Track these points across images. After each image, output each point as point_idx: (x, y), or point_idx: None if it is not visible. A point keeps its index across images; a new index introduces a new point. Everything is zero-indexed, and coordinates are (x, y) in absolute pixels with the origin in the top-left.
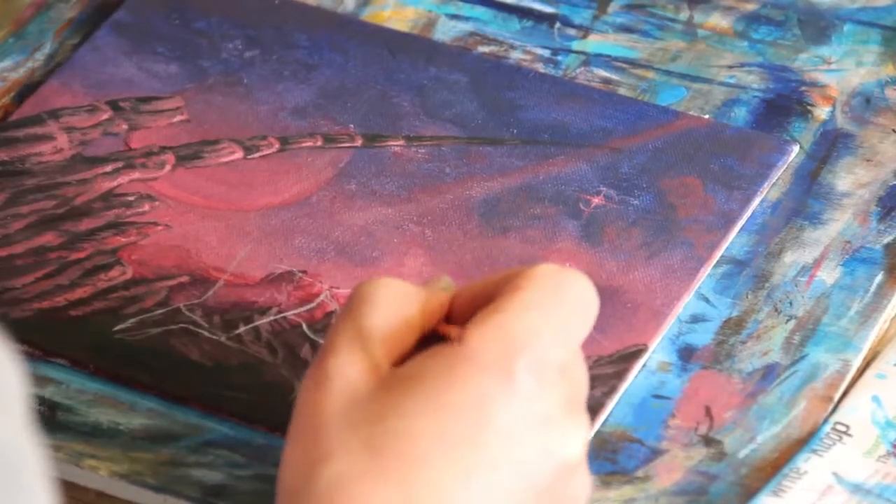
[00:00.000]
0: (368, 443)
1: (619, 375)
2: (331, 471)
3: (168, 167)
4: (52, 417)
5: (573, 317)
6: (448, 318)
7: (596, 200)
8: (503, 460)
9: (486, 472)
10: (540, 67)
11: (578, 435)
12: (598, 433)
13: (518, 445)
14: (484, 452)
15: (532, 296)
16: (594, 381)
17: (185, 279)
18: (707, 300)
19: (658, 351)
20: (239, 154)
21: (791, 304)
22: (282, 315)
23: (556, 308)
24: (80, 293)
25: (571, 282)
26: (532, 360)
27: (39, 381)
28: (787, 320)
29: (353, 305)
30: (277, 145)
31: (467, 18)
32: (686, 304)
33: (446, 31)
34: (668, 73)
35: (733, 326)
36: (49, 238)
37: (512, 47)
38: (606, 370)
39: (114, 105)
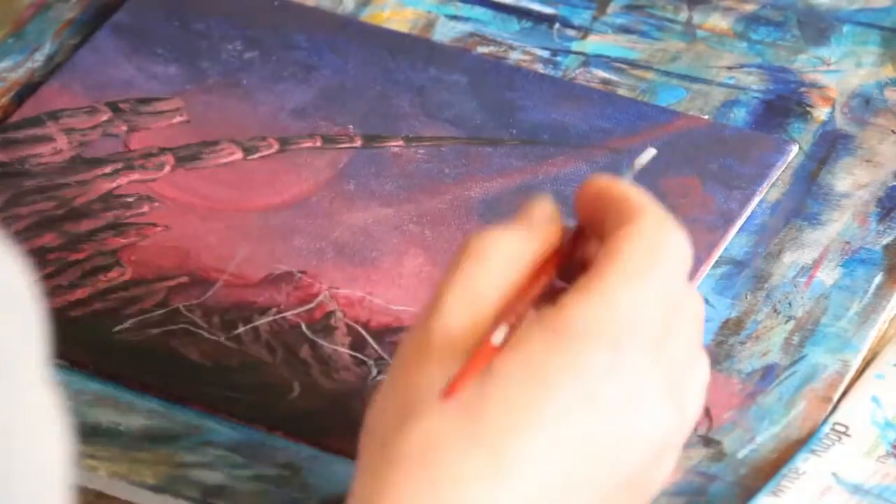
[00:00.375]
0: (465, 405)
1: None
2: (424, 426)
3: (167, 168)
4: None
5: (674, 275)
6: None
7: None
8: (600, 440)
9: (583, 451)
10: (539, 68)
11: (671, 418)
12: None
13: (616, 426)
14: (581, 428)
15: (633, 262)
16: None
17: (184, 280)
18: (706, 300)
19: None
20: (238, 155)
21: (790, 304)
22: (281, 315)
23: (658, 272)
24: (79, 294)
25: (670, 236)
26: (640, 339)
27: None
28: (787, 321)
29: (463, 264)
30: (277, 146)
31: (466, 19)
32: None
33: (445, 32)
34: (668, 73)
35: (732, 327)
36: (49, 239)
37: (511, 48)
38: None
39: (113, 106)
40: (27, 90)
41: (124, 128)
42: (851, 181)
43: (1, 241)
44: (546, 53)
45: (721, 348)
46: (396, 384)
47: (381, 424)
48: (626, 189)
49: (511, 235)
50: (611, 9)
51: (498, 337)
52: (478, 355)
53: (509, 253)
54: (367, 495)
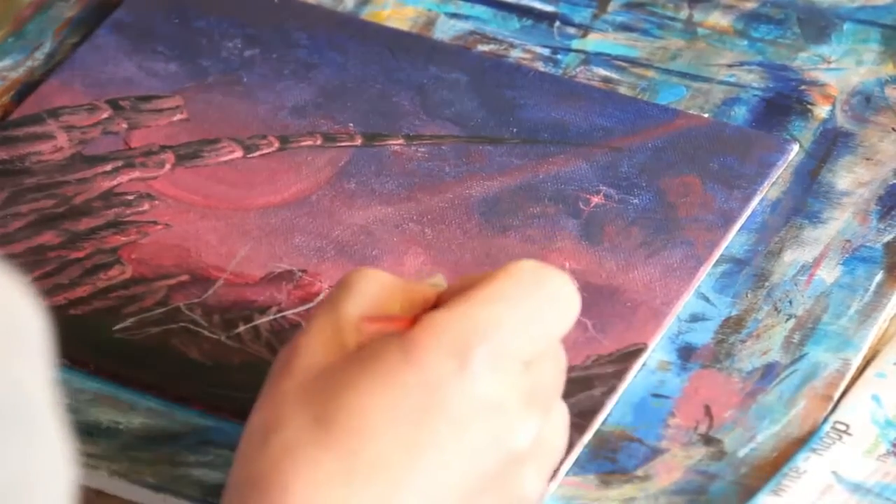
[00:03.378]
0: (320, 415)
1: (619, 375)
2: (280, 438)
3: (168, 166)
4: None
5: (545, 312)
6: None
7: (595, 199)
8: (449, 443)
9: (431, 453)
10: (540, 66)
11: (527, 427)
12: (598, 432)
13: (465, 431)
14: (430, 434)
15: (502, 287)
16: (594, 380)
17: (184, 278)
18: (707, 299)
19: (658, 350)
20: (239, 153)
21: (791, 303)
22: (281, 314)
23: (525, 301)
24: (79, 292)
25: (548, 278)
26: (490, 349)
27: None
28: (787, 319)
29: (335, 292)
30: (277, 144)
31: (467, 17)
32: (686, 303)
33: (446, 30)
34: (668, 71)
35: (733, 325)
36: (49, 237)
37: (512, 46)
38: (606, 369)
39: (113, 104)
40: (27, 89)
41: (124, 125)
42: (852, 179)
43: (3, 270)
44: (546, 51)
45: (721, 347)
46: (262, 403)
47: (246, 441)
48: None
49: (383, 274)
50: (611, 7)
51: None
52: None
53: (376, 286)
54: None
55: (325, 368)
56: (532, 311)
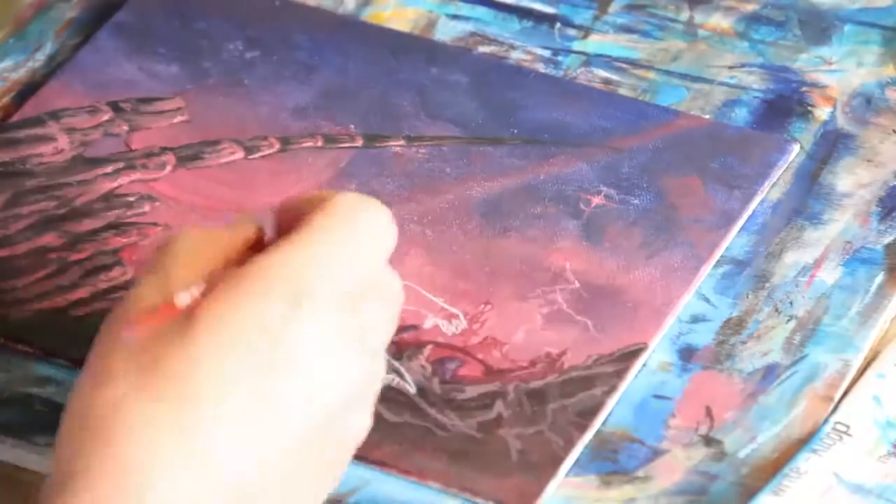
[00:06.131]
0: (148, 366)
1: (620, 375)
2: (109, 391)
3: (169, 168)
4: (52, 417)
5: (363, 246)
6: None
7: (596, 200)
8: (283, 384)
9: (265, 395)
10: (540, 68)
11: (359, 365)
12: (598, 433)
13: (297, 371)
14: (263, 377)
15: (321, 226)
16: (595, 380)
17: None
18: (707, 300)
19: (658, 351)
20: (239, 154)
21: (791, 304)
22: None
23: (344, 238)
24: (80, 294)
25: (361, 210)
26: (316, 290)
27: (39, 381)
28: (788, 320)
29: (157, 256)
30: (278, 146)
31: (468, 19)
32: (686, 304)
33: (447, 32)
34: (669, 73)
35: (734, 326)
36: (50, 239)
37: (512, 47)
38: (607, 369)
39: (114, 106)
40: (28, 90)
41: (125, 127)
42: (853, 181)
43: None
44: (547, 53)
45: (722, 348)
46: (94, 361)
47: (76, 399)
48: (332, 190)
49: (198, 230)
50: (612, 8)
51: (182, 298)
52: (161, 310)
53: (196, 242)
54: (61, 466)
55: (157, 325)
56: (350, 246)
